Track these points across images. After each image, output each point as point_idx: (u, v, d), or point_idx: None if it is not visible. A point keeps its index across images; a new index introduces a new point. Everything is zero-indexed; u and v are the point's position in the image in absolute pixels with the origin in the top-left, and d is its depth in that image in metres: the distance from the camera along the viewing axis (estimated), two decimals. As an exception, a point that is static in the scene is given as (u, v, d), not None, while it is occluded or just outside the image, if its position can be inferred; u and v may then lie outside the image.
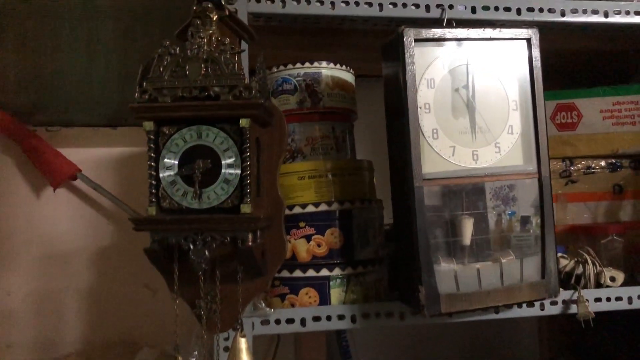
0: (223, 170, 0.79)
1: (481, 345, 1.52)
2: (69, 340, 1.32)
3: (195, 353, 0.90)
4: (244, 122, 0.78)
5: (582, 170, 1.16)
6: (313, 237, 0.93)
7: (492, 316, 0.94)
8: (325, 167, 0.96)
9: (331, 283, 0.92)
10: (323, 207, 0.94)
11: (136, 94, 0.78)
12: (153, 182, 0.79)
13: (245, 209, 0.78)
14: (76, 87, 1.37)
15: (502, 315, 0.94)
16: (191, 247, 0.78)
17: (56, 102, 1.37)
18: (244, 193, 0.78)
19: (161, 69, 0.78)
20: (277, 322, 0.90)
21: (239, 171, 0.79)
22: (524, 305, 0.95)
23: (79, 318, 1.34)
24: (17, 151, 1.30)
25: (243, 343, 0.79)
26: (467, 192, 0.88)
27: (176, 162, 0.79)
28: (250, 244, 0.78)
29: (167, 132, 0.80)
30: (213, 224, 0.77)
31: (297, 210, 0.93)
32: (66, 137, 1.35)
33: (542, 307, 0.96)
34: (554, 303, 0.96)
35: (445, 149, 0.88)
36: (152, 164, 0.79)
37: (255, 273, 0.83)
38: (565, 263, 1.00)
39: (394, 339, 1.48)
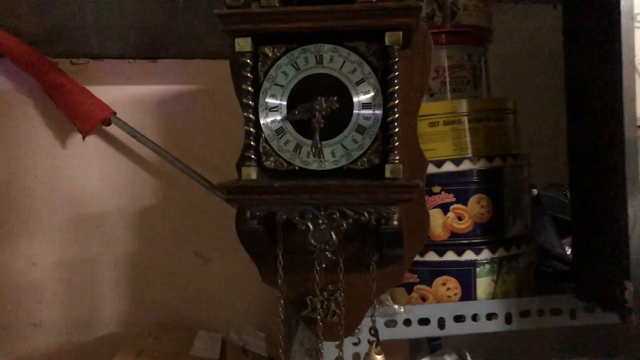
0: (355, 114, 0.52)
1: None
2: (104, 319, 1.12)
3: (298, 366, 0.66)
4: (392, 38, 0.51)
5: None
6: (452, 207, 0.68)
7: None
8: (463, 110, 0.69)
9: (478, 270, 0.68)
10: (466, 165, 0.68)
11: (225, -5, 0.51)
12: (251, 130, 0.53)
13: (393, 171, 0.51)
14: (105, 9, 1.10)
15: None
16: (310, 226, 0.52)
17: (81, 28, 1.09)
18: (390, 148, 0.52)
19: (263, -46, 0.51)
20: (407, 323, 0.66)
21: (379, 113, 0.52)
22: None
23: (117, 292, 1.14)
24: (37, 89, 1.08)
25: (380, 362, 0.55)
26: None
27: (284, 101, 0.53)
28: (396, 222, 0.53)
29: (270, 54, 0.53)
30: (344, 195, 0.51)
31: (430, 169, 0.67)
32: (95, 71, 1.12)
33: None
34: None
35: (662, 83, 0.60)
36: (250, 102, 0.53)
37: (394, 260, 0.58)
38: None
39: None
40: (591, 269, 0.65)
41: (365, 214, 0.52)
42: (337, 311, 0.59)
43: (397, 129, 0.52)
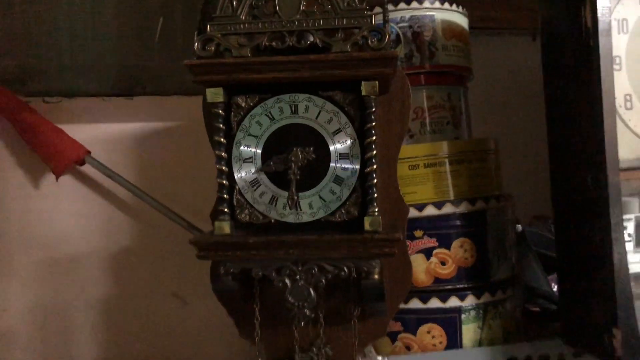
0: (333, 164, 0.51)
1: None
2: None
3: None
4: (368, 88, 0.49)
5: None
6: (435, 251, 0.66)
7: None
8: (444, 152, 0.68)
9: (463, 317, 0.66)
10: (448, 209, 0.67)
11: (195, 45, 0.49)
12: (224, 182, 0.51)
13: (372, 224, 0.50)
14: (79, 46, 1.09)
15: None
16: (288, 283, 0.50)
17: (54, 66, 1.08)
18: (369, 199, 0.50)
19: (234, 3, 0.49)
20: (391, 374, 0.63)
21: (357, 164, 0.50)
22: None
23: (93, 337, 1.09)
24: (7, 129, 1.05)
25: (364, 423, 0.53)
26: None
27: (259, 151, 0.51)
28: (377, 276, 0.51)
29: (243, 104, 0.51)
30: (323, 250, 0.49)
31: (412, 213, 0.66)
32: (69, 110, 1.08)
33: None
34: None
35: (643, 125, 0.60)
36: (222, 154, 0.51)
37: (376, 313, 0.55)
38: None
39: None
40: (578, 313, 0.63)
41: (345, 269, 0.50)
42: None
43: (375, 180, 0.50)
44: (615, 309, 0.57)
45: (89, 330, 1.08)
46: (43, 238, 1.07)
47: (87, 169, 1.06)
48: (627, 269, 0.58)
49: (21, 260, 1.06)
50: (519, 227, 0.89)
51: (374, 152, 0.50)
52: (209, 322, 1.12)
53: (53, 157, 1.03)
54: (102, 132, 1.09)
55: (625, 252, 0.57)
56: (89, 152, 1.05)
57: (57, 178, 1.05)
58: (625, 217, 0.62)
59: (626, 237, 0.63)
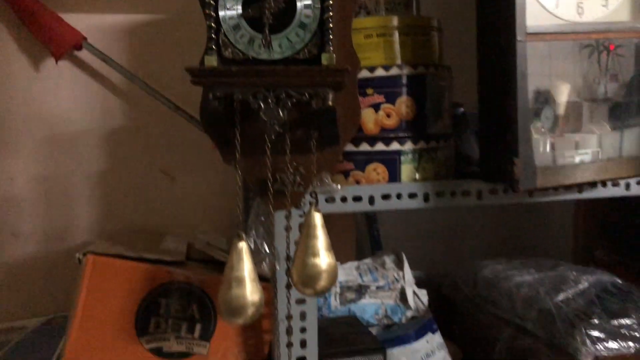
0: (298, 11, 0.65)
1: (512, 237, 1.47)
2: (78, 229, 1.22)
3: (253, 232, 0.79)
4: (326, -50, 0.63)
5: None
6: (382, 106, 0.81)
7: (575, 196, 0.85)
8: (394, 24, 0.82)
9: (402, 158, 0.81)
10: (394, 71, 0.81)
11: None
12: (212, 25, 0.64)
13: (327, 59, 0.64)
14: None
15: (586, 194, 0.86)
16: (262, 105, 0.65)
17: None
18: (325, 40, 0.65)
19: None
20: (343, 199, 0.79)
21: (318, 12, 0.65)
22: (609, 184, 0.86)
23: (90, 205, 1.23)
24: (9, 15, 1.15)
25: (318, 218, 0.69)
26: (567, 51, 0.76)
27: (239, 2, 0.65)
28: (330, 103, 0.66)
29: (228, -38, 0.64)
30: (289, 78, 0.64)
31: (365, 74, 0.80)
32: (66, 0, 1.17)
33: (627, 187, 0.87)
34: (640, 183, 0.87)
35: (549, -1, 0.74)
36: (211, 2, 0.64)
37: (331, 140, 0.71)
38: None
39: (422, 229, 1.41)
40: (492, 156, 0.79)
41: (306, 94, 0.65)
42: (302, 182, 0.71)
43: (331, 25, 0.64)
44: (517, 144, 0.74)
45: (86, 199, 1.21)
46: (44, 116, 1.18)
47: (84, 55, 1.18)
48: (528, 110, 0.73)
49: (25, 136, 1.18)
50: (461, 109, 1.05)
51: (331, 1, 0.64)
52: (193, 196, 1.26)
53: (53, 41, 1.13)
54: (97, 22, 1.18)
55: (526, 98, 0.73)
56: (86, 38, 1.16)
57: (56, 61, 1.15)
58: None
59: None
